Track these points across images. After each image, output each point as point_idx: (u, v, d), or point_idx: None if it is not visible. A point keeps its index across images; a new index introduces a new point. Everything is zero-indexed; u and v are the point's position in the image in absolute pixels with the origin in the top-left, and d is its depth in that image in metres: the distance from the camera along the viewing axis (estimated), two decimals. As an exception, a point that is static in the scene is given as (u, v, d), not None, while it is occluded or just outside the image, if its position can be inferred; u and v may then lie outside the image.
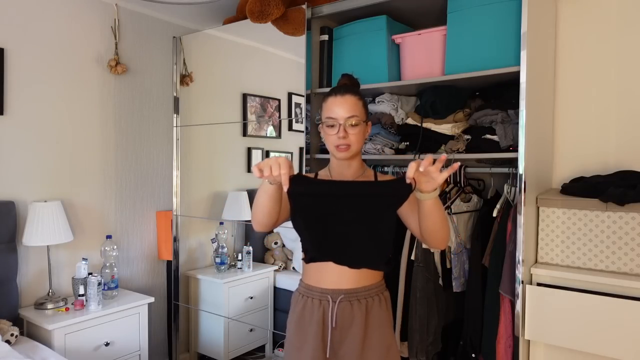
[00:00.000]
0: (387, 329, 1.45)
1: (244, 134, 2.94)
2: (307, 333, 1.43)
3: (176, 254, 2.94)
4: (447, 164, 2.03)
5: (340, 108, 1.39)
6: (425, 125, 2.08)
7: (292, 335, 1.48)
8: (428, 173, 1.19)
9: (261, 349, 2.99)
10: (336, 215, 1.28)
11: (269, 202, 1.31)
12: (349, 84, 1.49)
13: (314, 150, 2.38)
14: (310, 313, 1.44)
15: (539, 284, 1.67)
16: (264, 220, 1.35)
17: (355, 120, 1.39)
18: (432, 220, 1.29)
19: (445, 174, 1.19)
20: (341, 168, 1.49)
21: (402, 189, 1.23)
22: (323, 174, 1.53)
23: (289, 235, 3.10)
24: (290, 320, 1.50)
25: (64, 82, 2.49)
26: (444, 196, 1.99)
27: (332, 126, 1.40)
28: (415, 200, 1.31)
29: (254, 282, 2.95)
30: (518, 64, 1.67)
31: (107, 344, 2.31)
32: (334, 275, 1.42)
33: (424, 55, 2.06)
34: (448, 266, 1.95)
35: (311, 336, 1.42)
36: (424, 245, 1.89)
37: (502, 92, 1.93)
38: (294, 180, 1.21)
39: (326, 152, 2.37)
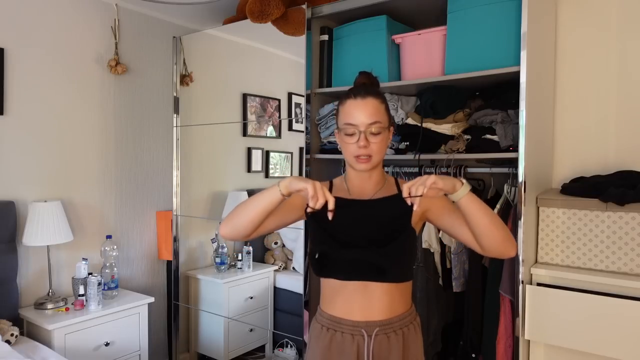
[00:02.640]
0: (421, 356, 1.33)
1: (244, 134, 2.94)
2: None
3: (176, 254, 2.94)
4: (447, 164, 2.04)
5: (361, 113, 1.22)
6: (425, 125, 2.08)
7: None
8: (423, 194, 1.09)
9: (261, 349, 2.98)
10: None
11: (266, 210, 1.20)
12: (368, 83, 1.32)
13: (314, 150, 2.38)
14: (341, 349, 1.26)
15: (539, 284, 1.67)
16: (246, 226, 1.22)
17: (378, 128, 1.21)
18: (475, 221, 1.15)
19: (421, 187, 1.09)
20: (360, 180, 1.31)
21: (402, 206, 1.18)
22: (338, 185, 1.37)
23: (289, 235, 3.10)
24: (314, 355, 1.32)
25: (64, 82, 2.49)
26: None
27: (352, 134, 1.23)
28: (454, 210, 1.20)
29: (254, 282, 2.94)
30: (518, 64, 1.67)
31: (107, 344, 2.31)
32: (365, 305, 1.26)
33: (424, 55, 2.06)
34: (448, 266, 1.95)
35: None
36: (424, 245, 1.89)
37: (502, 92, 1.93)
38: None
39: (327, 152, 2.37)
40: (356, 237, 1.25)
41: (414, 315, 1.35)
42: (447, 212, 1.26)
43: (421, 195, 1.10)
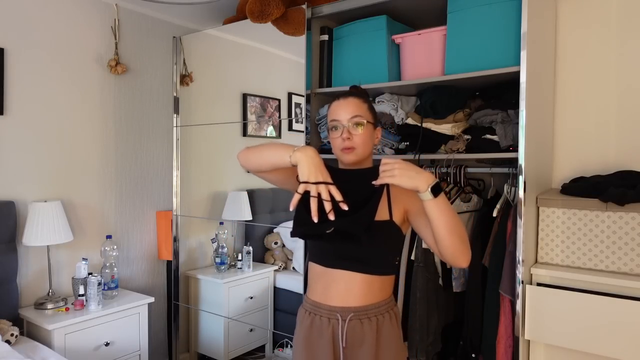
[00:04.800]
0: (398, 345, 1.39)
1: (244, 134, 2.94)
2: (316, 352, 1.38)
3: (176, 254, 2.94)
4: (447, 164, 2.04)
5: (343, 110, 1.37)
6: (425, 125, 2.08)
7: (300, 352, 1.42)
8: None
9: (261, 349, 2.98)
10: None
11: (274, 166, 1.32)
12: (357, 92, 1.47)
13: (314, 150, 2.38)
14: (319, 331, 1.38)
15: (539, 284, 1.67)
16: (254, 167, 1.39)
17: (358, 120, 1.35)
18: (434, 226, 1.21)
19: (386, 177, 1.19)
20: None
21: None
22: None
23: (289, 235, 3.10)
24: (298, 337, 1.44)
25: (64, 82, 2.49)
26: (444, 196, 1.99)
27: (336, 129, 1.37)
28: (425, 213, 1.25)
29: (254, 282, 2.95)
30: (518, 64, 1.67)
31: (107, 344, 2.31)
32: (342, 292, 1.35)
33: (424, 55, 2.06)
34: (448, 266, 1.95)
35: (322, 356, 1.36)
36: (424, 245, 1.89)
37: (502, 92, 1.93)
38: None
39: (327, 152, 2.37)
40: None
41: (392, 305, 1.42)
42: (422, 213, 1.29)
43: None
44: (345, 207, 1.19)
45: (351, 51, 2.26)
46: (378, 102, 2.21)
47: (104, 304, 2.37)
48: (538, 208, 1.76)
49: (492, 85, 2.00)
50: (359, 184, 1.30)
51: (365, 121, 1.36)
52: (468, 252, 1.25)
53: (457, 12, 1.93)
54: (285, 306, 2.85)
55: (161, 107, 2.98)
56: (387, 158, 1.18)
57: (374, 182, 1.24)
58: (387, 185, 1.31)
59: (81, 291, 2.30)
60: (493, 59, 1.82)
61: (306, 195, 1.22)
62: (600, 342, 1.54)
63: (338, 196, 1.20)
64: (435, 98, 2.02)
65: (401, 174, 1.18)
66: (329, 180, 1.23)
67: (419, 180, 1.18)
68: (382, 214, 1.33)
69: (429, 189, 1.18)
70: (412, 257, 1.93)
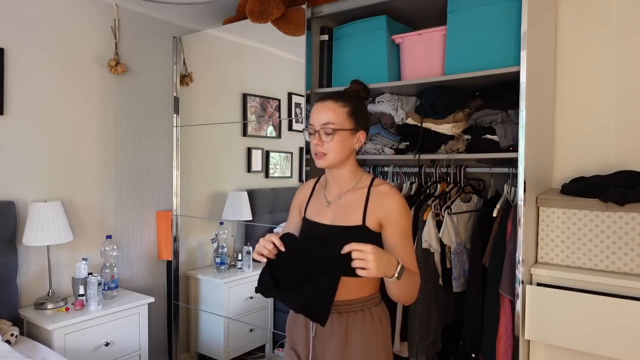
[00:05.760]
0: (372, 344, 1.38)
1: (244, 134, 2.94)
2: (295, 337, 1.47)
3: (176, 254, 2.94)
4: (447, 164, 2.04)
5: (317, 114, 1.35)
6: (425, 125, 2.08)
7: (287, 338, 1.52)
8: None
9: (261, 349, 2.99)
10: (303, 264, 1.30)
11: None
12: (354, 89, 1.44)
13: (314, 150, 2.38)
14: (297, 320, 1.46)
15: (539, 284, 1.67)
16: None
17: (329, 129, 1.32)
18: (389, 289, 1.31)
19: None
20: (332, 179, 1.44)
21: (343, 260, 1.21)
22: (322, 182, 1.52)
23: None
24: (287, 323, 1.53)
25: (64, 82, 2.49)
26: (444, 196, 1.99)
27: (312, 134, 1.36)
28: (392, 244, 1.33)
29: (254, 282, 2.92)
30: (518, 64, 1.67)
31: (107, 344, 2.31)
32: None
33: (424, 55, 2.06)
34: (448, 266, 1.95)
35: (298, 341, 1.45)
36: (423, 245, 1.89)
37: (502, 92, 1.93)
38: (283, 239, 1.31)
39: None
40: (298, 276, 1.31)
41: (370, 304, 1.40)
42: (388, 241, 1.34)
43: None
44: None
45: (351, 51, 2.26)
46: (378, 102, 2.21)
47: (104, 304, 2.37)
48: (538, 208, 1.76)
49: (492, 85, 2.00)
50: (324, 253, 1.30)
51: (335, 130, 1.33)
52: (413, 299, 1.35)
53: (457, 12, 1.93)
54: (285, 306, 2.85)
55: (161, 107, 2.98)
56: (359, 245, 1.17)
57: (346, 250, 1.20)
58: (369, 190, 1.37)
59: (81, 291, 2.30)
60: (493, 59, 1.82)
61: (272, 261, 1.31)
62: (600, 342, 1.54)
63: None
64: (435, 98, 2.02)
65: (376, 266, 1.16)
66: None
67: (389, 269, 1.21)
68: (355, 219, 1.35)
69: (396, 275, 1.22)
70: (412, 257, 1.93)
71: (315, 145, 1.35)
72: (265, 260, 1.31)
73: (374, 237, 1.34)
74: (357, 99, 1.42)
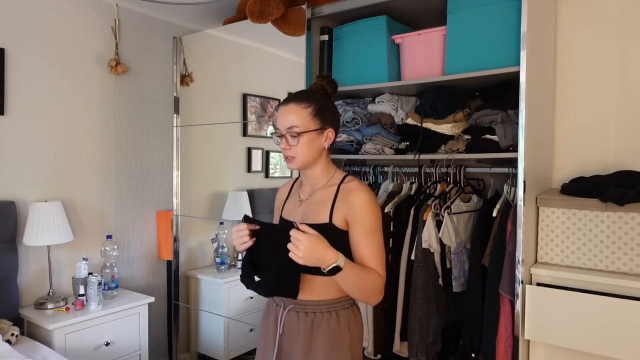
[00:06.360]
0: (337, 347, 1.36)
1: (244, 134, 2.95)
2: (266, 332, 1.49)
3: (176, 253, 2.94)
4: (447, 164, 2.04)
5: (281, 118, 1.35)
6: (425, 125, 2.08)
7: (260, 335, 1.54)
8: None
9: (261, 348, 2.98)
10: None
11: None
12: (319, 85, 1.42)
13: (314, 150, 2.38)
14: (269, 315, 1.49)
15: (538, 284, 1.67)
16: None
17: (293, 132, 1.33)
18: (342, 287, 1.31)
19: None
20: (304, 177, 1.47)
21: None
22: (299, 181, 1.55)
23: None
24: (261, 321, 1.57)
25: (64, 82, 2.50)
26: (444, 196, 1.99)
27: (280, 137, 1.37)
28: (355, 241, 1.34)
29: (254, 282, 2.95)
30: (518, 64, 1.67)
31: (107, 344, 2.31)
32: None
33: (424, 56, 2.06)
34: (448, 266, 1.95)
35: (268, 337, 1.47)
36: (423, 245, 1.89)
37: (502, 92, 1.93)
38: (245, 219, 1.38)
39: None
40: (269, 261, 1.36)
41: (339, 307, 1.40)
42: (351, 237, 1.35)
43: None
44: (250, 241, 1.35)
45: (351, 51, 2.26)
46: (378, 102, 2.22)
47: (104, 303, 2.37)
48: (538, 208, 1.76)
49: (492, 85, 2.00)
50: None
51: (299, 132, 1.32)
52: (374, 300, 1.34)
53: (457, 12, 1.93)
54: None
55: (161, 107, 2.98)
56: (298, 233, 1.22)
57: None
58: (338, 187, 1.38)
59: (81, 291, 2.30)
60: (493, 59, 1.82)
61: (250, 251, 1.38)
62: (600, 342, 1.54)
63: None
64: (435, 98, 2.02)
65: (304, 255, 1.20)
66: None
67: (319, 264, 1.23)
68: (322, 217, 1.36)
69: (327, 270, 1.24)
70: (412, 257, 1.93)
71: (284, 149, 1.36)
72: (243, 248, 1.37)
73: (340, 235, 1.34)
74: (322, 96, 1.40)
